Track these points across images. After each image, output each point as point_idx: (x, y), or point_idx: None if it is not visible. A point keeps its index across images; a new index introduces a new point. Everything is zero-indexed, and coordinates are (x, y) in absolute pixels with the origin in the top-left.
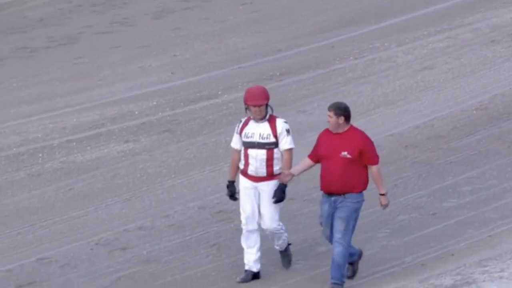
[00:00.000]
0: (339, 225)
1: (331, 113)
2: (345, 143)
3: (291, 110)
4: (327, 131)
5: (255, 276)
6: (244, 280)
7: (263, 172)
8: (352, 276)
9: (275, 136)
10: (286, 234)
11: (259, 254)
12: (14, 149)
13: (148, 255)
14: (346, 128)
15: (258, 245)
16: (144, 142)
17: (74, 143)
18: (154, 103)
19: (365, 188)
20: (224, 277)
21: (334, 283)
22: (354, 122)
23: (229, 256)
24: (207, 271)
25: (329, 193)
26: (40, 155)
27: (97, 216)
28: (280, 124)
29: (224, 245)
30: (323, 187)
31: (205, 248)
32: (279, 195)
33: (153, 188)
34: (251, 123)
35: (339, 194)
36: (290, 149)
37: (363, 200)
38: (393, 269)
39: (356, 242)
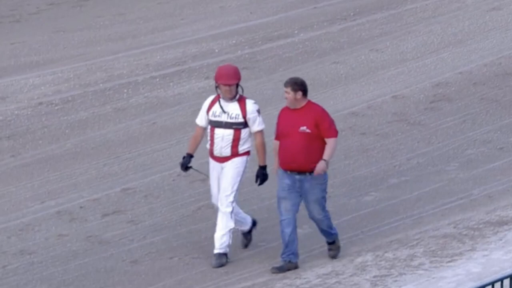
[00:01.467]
0: (316, 208)
1: (288, 89)
2: (303, 118)
3: (364, 48)
4: (285, 108)
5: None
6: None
7: (227, 152)
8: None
9: (244, 116)
10: (233, 224)
11: (233, 225)
12: (101, 84)
13: None
14: (303, 104)
15: (248, 217)
16: None
17: (158, 79)
18: (234, 41)
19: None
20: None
21: (334, 241)
22: (425, 60)
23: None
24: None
25: (291, 170)
26: (125, 90)
27: (179, 149)
28: (250, 105)
29: None
30: (283, 164)
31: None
32: (262, 177)
33: None
34: (220, 102)
35: (303, 172)
36: (261, 130)
37: (327, 178)
38: (461, 200)
39: (426, 175)
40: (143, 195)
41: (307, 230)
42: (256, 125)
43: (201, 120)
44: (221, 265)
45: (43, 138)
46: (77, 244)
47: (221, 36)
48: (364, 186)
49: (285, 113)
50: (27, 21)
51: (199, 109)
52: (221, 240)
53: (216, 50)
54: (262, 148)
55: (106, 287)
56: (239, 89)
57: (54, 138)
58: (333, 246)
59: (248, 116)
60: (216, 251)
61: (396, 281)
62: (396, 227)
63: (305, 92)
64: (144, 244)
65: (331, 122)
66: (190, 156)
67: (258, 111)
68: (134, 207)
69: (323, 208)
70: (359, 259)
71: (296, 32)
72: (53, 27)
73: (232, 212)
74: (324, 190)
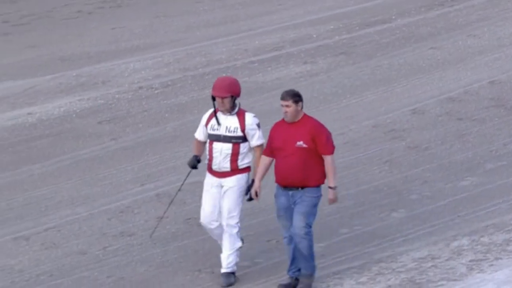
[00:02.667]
0: (300, 221)
1: (289, 102)
2: (299, 132)
3: (461, 34)
4: (279, 123)
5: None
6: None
7: (226, 167)
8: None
9: (243, 130)
10: (240, 243)
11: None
12: (200, 69)
13: None
14: (300, 117)
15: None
16: (321, 63)
17: (256, 64)
18: (331, 26)
19: (323, 182)
20: (395, 192)
21: (310, 274)
22: None
23: (401, 172)
24: (379, 186)
25: (285, 186)
26: (224, 75)
27: None
28: (250, 118)
29: (396, 162)
30: (279, 180)
31: (378, 165)
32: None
33: (329, 107)
34: (218, 115)
35: (296, 188)
36: (261, 145)
37: (321, 195)
38: None
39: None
40: None
41: (403, 214)
42: (255, 139)
43: (199, 133)
44: (230, 284)
45: (143, 121)
46: (176, 226)
47: (319, 22)
48: (460, 171)
49: (280, 127)
50: (128, 6)
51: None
52: (228, 260)
53: (314, 36)
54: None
55: (204, 269)
56: (237, 103)
57: (154, 122)
58: (304, 280)
59: (247, 129)
60: (223, 270)
61: (492, 265)
62: (492, 212)
63: (302, 103)
64: (243, 226)
65: (328, 137)
66: (196, 156)
67: (258, 125)
68: None
69: (307, 224)
70: (455, 244)
71: (393, 17)
72: (153, 12)
73: (238, 231)
74: (314, 206)
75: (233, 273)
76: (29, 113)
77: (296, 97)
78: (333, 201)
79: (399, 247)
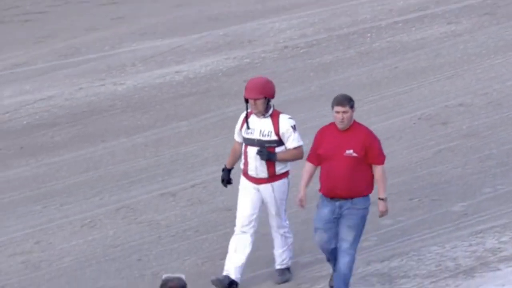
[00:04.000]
0: (347, 235)
1: (346, 107)
2: (349, 140)
3: None
4: (327, 128)
5: (232, 283)
6: (219, 282)
7: (264, 172)
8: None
9: (277, 133)
10: (292, 239)
11: (244, 261)
12: (345, 29)
13: (467, 130)
14: (351, 123)
15: (247, 250)
16: (466, 24)
17: (400, 24)
18: None
19: (371, 191)
20: None
21: None
22: None
23: None
24: None
25: (332, 197)
26: (369, 34)
27: (420, 92)
28: (285, 120)
29: None
30: (325, 191)
31: None
32: (264, 155)
33: (473, 67)
34: (252, 118)
35: (345, 198)
36: (299, 147)
37: (370, 204)
38: None
39: None
40: (385, 137)
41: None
42: (291, 141)
43: (237, 135)
44: (286, 281)
45: (288, 81)
46: None
47: None
48: None
49: (329, 133)
50: None
51: (440, 54)
52: (282, 257)
53: None
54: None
55: None
56: (271, 104)
57: (299, 81)
58: None
59: (281, 132)
60: (278, 266)
61: None
62: None
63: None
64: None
65: (380, 146)
66: (228, 170)
67: (294, 127)
68: None
69: (354, 239)
70: None
71: None
72: None
73: (288, 230)
74: (362, 218)
75: (287, 268)
76: (176, 72)
77: (352, 101)
78: (384, 213)
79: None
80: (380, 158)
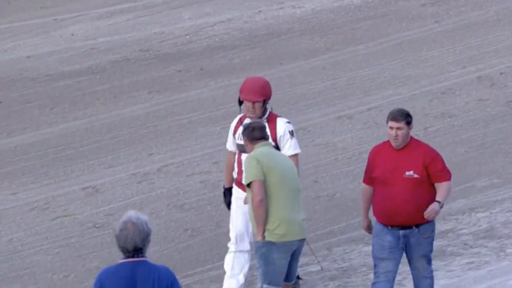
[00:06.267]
0: (423, 265)
1: (401, 123)
2: (409, 160)
3: None
4: (380, 148)
5: None
6: None
7: None
8: None
9: (275, 139)
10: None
11: (243, 281)
12: None
13: None
14: (407, 141)
15: (245, 269)
16: None
17: None
18: None
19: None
20: None
21: None
22: None
23: None
24: None
25: (393, 225)
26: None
27: None
28: (282, 125)
29: None
30: (382, 219)
31: None
32: None
33: None
34: (245, 122)
35: (410, 226)
36: (296, 155)
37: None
38: None
39: None
40: None
41: None
42: (287, 147)
43: (230, 144)
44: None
45: (466, 5)
46: (496, 109)
47: None
48: None
49: (383, 153)
50: None
51: None
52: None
53: None
54: None
55: None
56: (269, 107)
57: (477, 5)
58: None
59: (279, 137)
60: None
61: None
62: None
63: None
64: None
65: (443, 163)
66: (230, 190)
67: (291, 132)
68: None
69: (430, 262)
70: None
71: None
72: None
73: None
74: (431, 243)
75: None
76: None
77: (409, 117)
78: (434, 211)
79: None
80: (446, 175)
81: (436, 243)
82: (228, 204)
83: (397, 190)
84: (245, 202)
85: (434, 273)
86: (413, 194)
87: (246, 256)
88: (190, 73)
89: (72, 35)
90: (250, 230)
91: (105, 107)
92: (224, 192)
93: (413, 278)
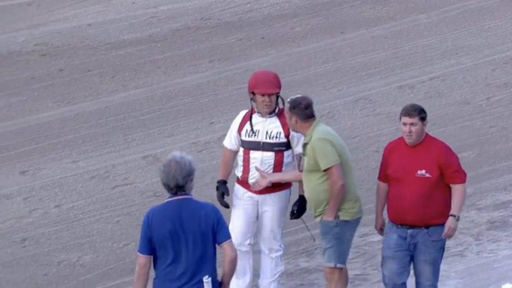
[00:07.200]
0: (427, 271)
1: (416, 119)
2: (422, 158)
3: None
4: (395, 144)
5: None
6: None
7: None
8: None
9: (287, 135)
10: (282, 267)
11: (251, 284)
12: None
13: None
14: (422, 138)
15: (248, 275)
16: None
17: None
18: None
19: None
20: None
21: None
22: None
23: None
24: None
25: (402, 224)
26: None
27: None
28: None
29: None
30: (393, 217)
31: None
32: (300, 211)
33: None
34: (255, 118)
35: (419, 227)
36: None
37: None
38: None
39: None
40: None
41: None
42: (300, 145)
43: (230, 141)
44: None
45: None
46: None
47: None
48: None
49: (397, 150)
50: None
51: None
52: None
53: None
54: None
55: None
56: (279, 101)
57: None
58: None
59: (292, 134)
60: None
61: None
62: None
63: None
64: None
65: (459, 163)
66: (223, 182)
67: None
68: None
69: (435, 274)
70: None
71: None
72: None
73: (282, 254)
74: (441, 249)
75: None
76: None
77: (423, 113)
78: (452, 229)
79: None
80: (460, 176)
81: (498, 214)
82: (221, 196)
83: (407, 189)
84: (257, 188)
85: (496, 244)
86: (423, 194)
87: (248, 257)
88: (251, 42)
89: (133, 3)
90: (251, 233)
91: (166, 76)
92: (218, 185)
93: None
